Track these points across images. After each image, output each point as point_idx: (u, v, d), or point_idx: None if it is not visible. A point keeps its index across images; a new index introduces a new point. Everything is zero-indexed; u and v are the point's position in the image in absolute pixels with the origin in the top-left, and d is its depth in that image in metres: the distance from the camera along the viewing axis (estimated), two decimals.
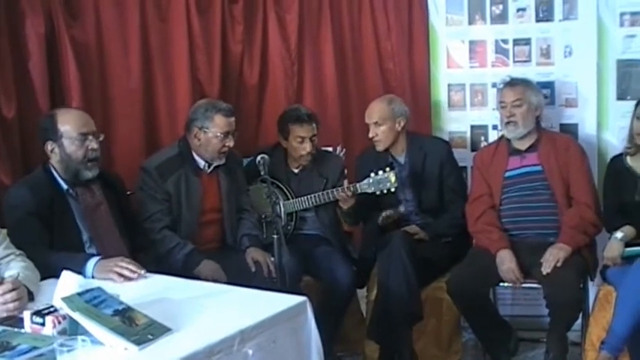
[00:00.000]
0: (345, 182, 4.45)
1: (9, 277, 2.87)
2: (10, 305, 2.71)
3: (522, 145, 4.34)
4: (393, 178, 4.31)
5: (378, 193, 4.35)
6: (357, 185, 4.37)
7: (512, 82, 4.39)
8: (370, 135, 4.59)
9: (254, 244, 4.25)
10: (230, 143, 4.21)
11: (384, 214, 4.44)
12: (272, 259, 3.88)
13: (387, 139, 4.58)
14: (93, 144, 3.60)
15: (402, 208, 4.57)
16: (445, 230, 4.55)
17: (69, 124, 3.59)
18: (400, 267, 4.18)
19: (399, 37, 5.36)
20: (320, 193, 4.48)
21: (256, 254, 4.15)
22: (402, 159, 4.66)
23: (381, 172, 4.33)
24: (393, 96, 4.80)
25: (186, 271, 3.77)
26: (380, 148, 4.61)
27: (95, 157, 3.62)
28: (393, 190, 4.34)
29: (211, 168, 4.28)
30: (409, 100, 5.19)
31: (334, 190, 4.45)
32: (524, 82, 4.38)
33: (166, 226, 4.10)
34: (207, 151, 4.20)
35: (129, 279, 3.21)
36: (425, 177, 4.60)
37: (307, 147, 4.52)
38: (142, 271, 3.25)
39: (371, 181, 4.34)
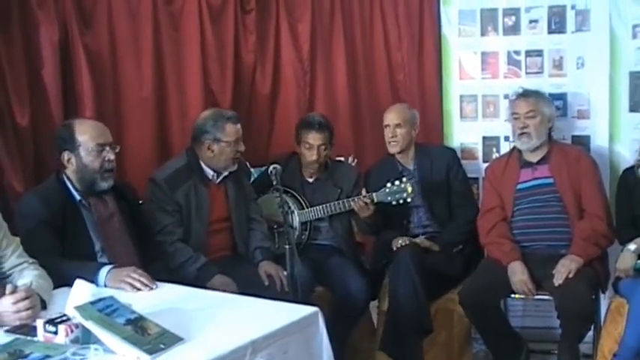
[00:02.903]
0: (363, 191, 4.44)
1: (22, 286, 2.88)
2: (23, 314, 2.72)
3: (534, 158, 4.33)
4: (409, 189, 4.31)
5: (394, 203, 4.35)
6: (374, 195, 4.37)
7: (526, 94, 4.38)
8: (390, 135, 4.61)
9: (266, 258, 4.24)
10: (242, 148, 4.22)
11: (400, 242, 4.43)
12: (285, 273, 3.87)
13: (403, 141, 4.61)
14: (110, 155, 3.61)
15: (420, 238, 4.55)
16: (454, 238, 4.56)
17: (86, 134, 3.60)
18: (408, 280, 4.19)
19: (410, 48, 5.37)
20: (335, 203, 4.49)
21: (269, 268, 4.14)
22: (410, 166, 4.69)
23: (397, 182, 4.34)
24: (408, 105, 4.90)
25: (198, 284, 3.77)
26: (396, 149, 4.63)
27: (111, 167, 3.63)
28: (409, 200, 4.35)
29: (220, 178, 4.28)
30: (419, 111, 5.19)
31: (351, 199, 4.45)
32: (536, 94, 4.38)
33: (179, 239, 4.09)
34: (221, 160, 4.20)
35: (140, 290, 3.23)
36: (433, 183, 4.63)
37: (313, 155, 4.53)
38: (154, 285, 3.27)
39: (387, 190, 4.35)
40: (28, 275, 3.08)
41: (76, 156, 3.59)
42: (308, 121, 4.59)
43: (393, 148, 4.64)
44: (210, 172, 4.24)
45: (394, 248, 4.40)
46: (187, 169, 4.21)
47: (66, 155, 3.61)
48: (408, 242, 4.40)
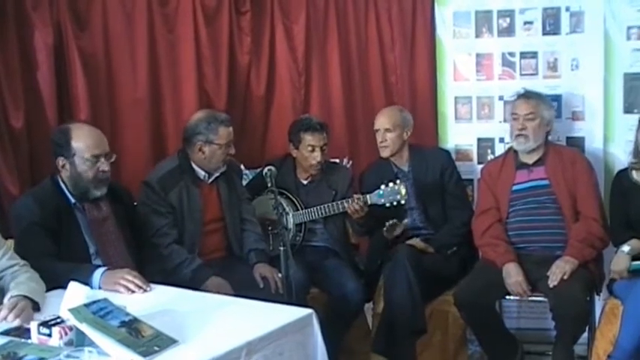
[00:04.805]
0: (354, 195, 4.43)
1: (6, 300, 2.91)
2: (16, 321, 2.74)
3: (530, 159, 4.34)
4: (403, 191, 4.31)
5: (388, 205, 4.35)
6: (368, 197, 4.37)
7: (527, 95, 4.38)
8: (380, 140, 4.61)
9: (261, 260, 4.24)
10: (232, 151, 4.24)
11: (388, 223, 4.43)
12: (279, 275, 3.88)
13: (394, 145, 4.60)
14: (104, 166, 3.59)
15: (406, 220, 4.56)
16: (448, 240, 4.55)
17: (83, 142, 3.56)
18: (404, 280, 4.19)
19: (402, 50, 5.36)
20: (330, 204, 4.48)
21: (264, 270, 4.15)
22: (405, 168, 4.69)
23: (391, 184, 4.33)
24: (401, 106, 4.88)
25: (193, 286, 3.77)
26: (386, 154, 4.63)
27: (105, 177, 3.62)
28: (403, 202, 4.34)
29: (212, 178, 4.28)
30: (412, 113, 5.18)
31: (345, 201, 4.45)
32: (538, 96, 4.37)
33: (174, 241, 4.09)
34: (212, 162, 4.21)
35: (134, 292, 3.23)
36: (428, 184, 4.63)
37: (318, 156, 4.53)
38: (148, 288, 3.27)
39: (381, 192, 4.34)
40: (20, 278, 3.09)
41: (71, 163, 3.57)
42: (309, 124, 4.57)
43: (383, 153, 4.64)
44: (201, 173, 4.25)
45: (384, 230, 4.41)
46: (179, 170, 4.21)
47: (61, 161, 3.60)
48: (396, 221, 4.40)
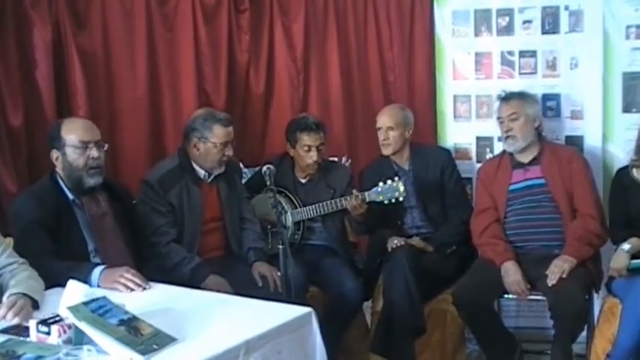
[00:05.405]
0: (354, 191, 4.43)
1: (5, 298, 2.90)
2: (15, 320, 2.73)
3: (525, 158, 4.34)
4: (401, 188, 4.31)
5: (386, 202, 4.34)
6: (366, 194, 4.36)
7: (507, 97, 4.41)
8: (382, 138, 4.62)
9: (260, 258, 4.24)
10: (229, 152, 4.21)
11: (395, 242, 4.43)
12: (278, 273, 3.88)
13: (396, 144, 4.61)
14: (94, 152, 3.60)
15: (414, 239, 4.55)
16: (447, 239, 4.56)
17: (73, 132, 3.60)
18: (403, 280, 4.19)
19: (400, 49, 5.38)
20: (328, 202, 4.47)
21: (263, 269, 4.14)
22: (405, 166, 4.69)
23: (389, 181, 4.33)
24: (403, 105, 4.89)
25: (192, 284, 3.76)
26: (388, 152, 4.64)
27: (97, 165, 3.61)
28: (401, 199, 4.34)
29: (211, 177, 4.27)
30: (411, 111, 5.20)
31: (343, 198, 4.44)
32: (519, 96, 4.40)
33: (172, 240, 4.09)
34: (207, 160, 4.20)
35: (133, 290, 3.22)
36: (428, 183, 4.63)
37: (314, 155, 4.52)
38: (147, 285, 3.26)
39: (379, 189, 4.34)
40: (19, 276, 3.08)
41: (63, 154, 3.60)
42: (305, 123, 4.56)
43: (385, 151, 4.64)
44: (201, 172, 4.24)
45: (389, 248, 4.41)
46: (179, 169, 4.21)
47: (54, 154, 3.63)
48: (403, 243, 4.40)
